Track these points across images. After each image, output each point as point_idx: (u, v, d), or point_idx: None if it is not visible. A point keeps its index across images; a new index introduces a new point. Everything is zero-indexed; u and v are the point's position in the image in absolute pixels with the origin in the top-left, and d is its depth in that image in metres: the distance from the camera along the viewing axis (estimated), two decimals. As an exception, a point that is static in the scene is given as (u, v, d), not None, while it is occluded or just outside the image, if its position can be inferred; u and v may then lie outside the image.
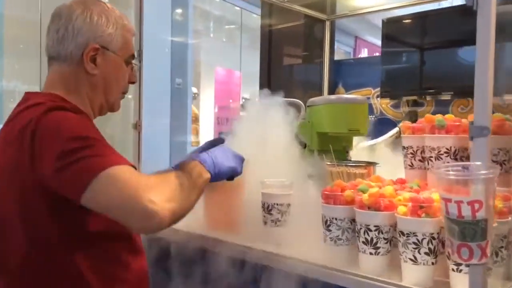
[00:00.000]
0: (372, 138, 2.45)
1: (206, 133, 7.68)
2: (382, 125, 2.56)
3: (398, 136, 2.40)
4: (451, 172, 0.89)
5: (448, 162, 1.35)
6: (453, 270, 1.07)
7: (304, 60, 3.07)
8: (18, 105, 1.20)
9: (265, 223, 1.49)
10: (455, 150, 1.34)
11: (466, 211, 0.86)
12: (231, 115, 8.27)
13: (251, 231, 1.50)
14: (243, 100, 6.78)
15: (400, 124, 1.59)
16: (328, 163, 1.69)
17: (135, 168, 1.09)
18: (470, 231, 0.86)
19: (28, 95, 1.21)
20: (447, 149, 1.34)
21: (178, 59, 6.33)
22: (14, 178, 1.09)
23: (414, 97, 2.40)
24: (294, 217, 1.51)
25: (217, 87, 9.10)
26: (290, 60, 3.14)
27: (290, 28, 3.00)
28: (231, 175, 1.34)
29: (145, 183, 1.02)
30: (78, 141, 1.04)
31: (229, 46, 9.49)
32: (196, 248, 1.54)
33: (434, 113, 1.44)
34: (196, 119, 7.40)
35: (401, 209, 1.13)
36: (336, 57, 3.12)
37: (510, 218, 1.13)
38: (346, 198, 1.26)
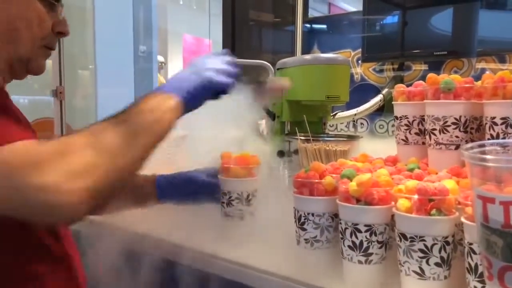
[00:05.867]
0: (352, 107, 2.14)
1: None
2: (363, 92, 2.23)
3: (382, 104, 2.09)
4: (491, 156, 0.58)
5: (457, 137, 1.05)
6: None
7: (274, 21, 2.68)
8: None
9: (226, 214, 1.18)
10: (466, 121, 1.04)
11: (518, 217, 0.55)
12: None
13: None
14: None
15: (389, 89, 1.30)
16: (302, 138, 1.37)
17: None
18: (522, 247, 0.55)
19: None
20: (455, 119, 1.04)
21: (141, 25, 5.87)
22: None
23: (400, 60, 2.09)
24: (259, 209, 1.20)
25: (186, 56, 8.64)
26: (257, 21, 2.72)
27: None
28: (216, 87, 0.87)
29: (40, 155, 0.68)
30: None
31: (198, 14, 8.97)
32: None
33: (422, 78, 1.15)
34: (163, 90, 6.98)
35: (403, 203, 0.82)
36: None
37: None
38: (326, 187, 0.94)
